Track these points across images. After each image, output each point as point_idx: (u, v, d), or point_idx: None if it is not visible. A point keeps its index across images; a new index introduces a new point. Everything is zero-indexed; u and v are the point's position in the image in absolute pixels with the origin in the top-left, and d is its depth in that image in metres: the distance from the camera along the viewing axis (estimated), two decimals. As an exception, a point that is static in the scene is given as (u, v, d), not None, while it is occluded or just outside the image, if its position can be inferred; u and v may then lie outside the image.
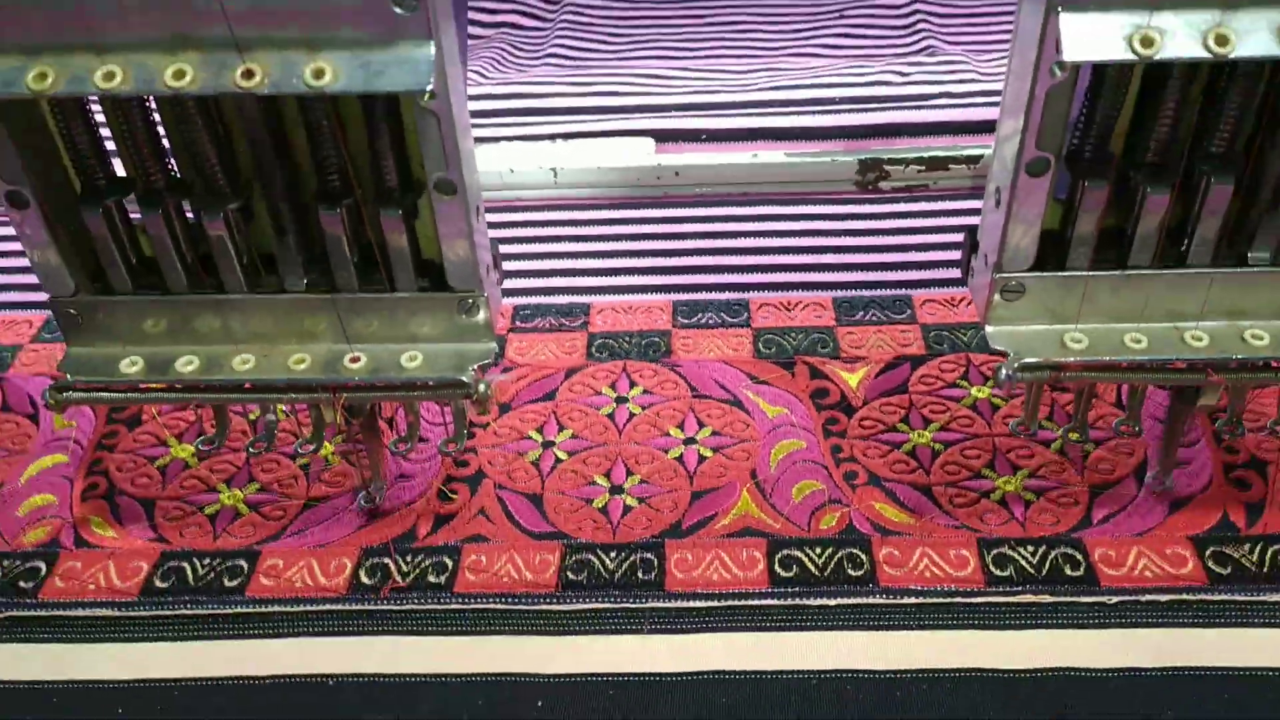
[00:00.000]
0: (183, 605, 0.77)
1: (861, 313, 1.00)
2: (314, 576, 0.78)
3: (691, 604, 0.75)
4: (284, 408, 0.86)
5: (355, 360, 0.71)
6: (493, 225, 1.11)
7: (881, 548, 0.78)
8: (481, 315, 0.70)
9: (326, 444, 0.84)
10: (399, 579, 0.77)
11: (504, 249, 1.08)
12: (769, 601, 0.75)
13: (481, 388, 0.70)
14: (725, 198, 1.17)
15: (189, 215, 0.70)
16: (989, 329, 0.70)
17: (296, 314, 0.71)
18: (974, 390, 0.91)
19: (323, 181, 0.66)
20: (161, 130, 0.67)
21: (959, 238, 1.07)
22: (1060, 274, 0.69)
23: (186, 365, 0.71)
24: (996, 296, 0.69)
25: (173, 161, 0.68)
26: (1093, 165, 0.66)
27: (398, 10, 0.56)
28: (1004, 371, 0.69)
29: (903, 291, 1.03)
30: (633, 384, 0.94)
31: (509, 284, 1.06)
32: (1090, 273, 0.69)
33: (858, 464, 0.85)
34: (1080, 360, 0.69)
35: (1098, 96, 0.64)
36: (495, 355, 0.70)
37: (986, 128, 1.20)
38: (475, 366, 0.70)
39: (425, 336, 0.71)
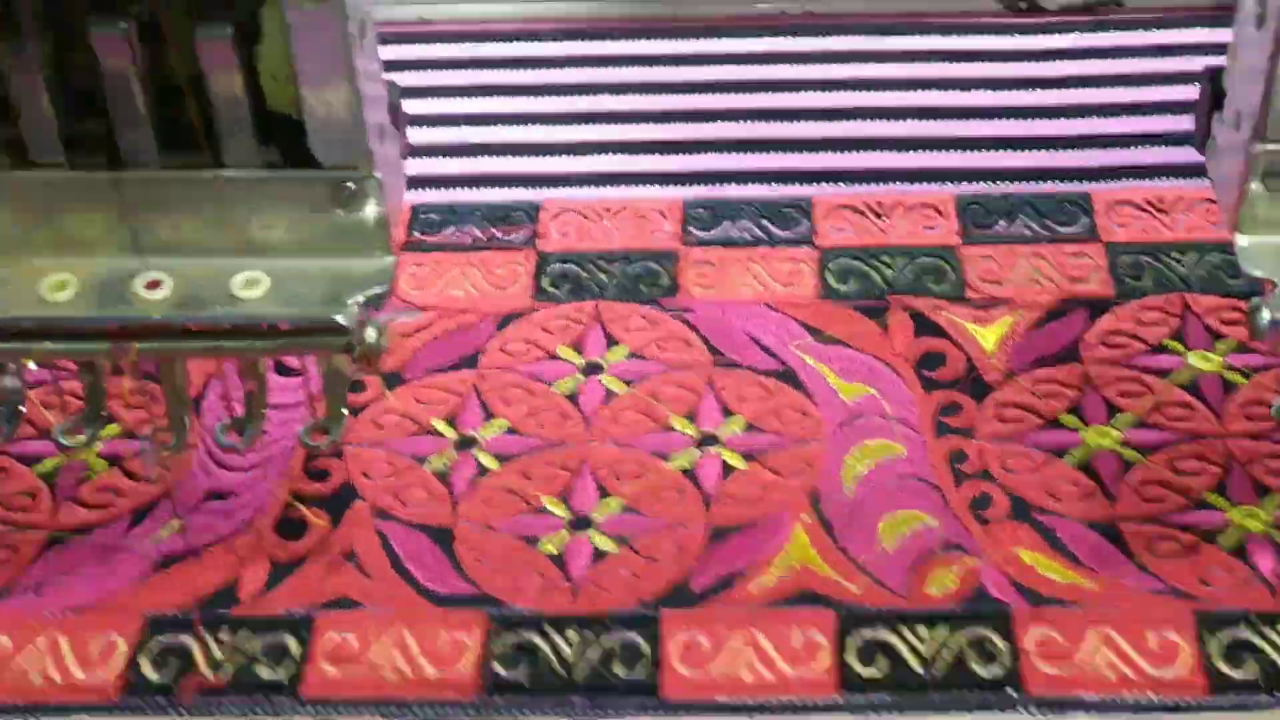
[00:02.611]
0: None
1: (1004, 221, 0.93)
2: (63, 668, 0.72)
3: (706, 720, 0.70)
4: (31, 366, 0.78)
5: (154, 286, 0.66)
6: (389, 64, 1.16)
7: (1031, 627, 0.72)
8: (370, 209, 0.65)
9: (109, 426, 0.79)
10: (209, 673, 0.72)
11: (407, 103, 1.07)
12: (839, 717, 0.69)
13: (370, 334, 0.65)
14: (774, 22, 1.10)
15: None
16: (1242, 241, 0.68)
17: (53, 208, 0.67)
18: (1193, 359, 0.84)
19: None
20: None
21: (1171, 91, 1.01)
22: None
23: None
24: (1255, 184, 0.66)
25: None
26: None
27: None
28: (1266, 315, 0.65)
29: (1077, 186, 0.95)
30: (612, 341, 0.87)
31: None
32: None
33: (993, 484, 0.79)
34: None
35: None
36: (389, 279, 0.67)
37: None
38: (360, 297, 0.65)
39: (274, 247, 0.67)
